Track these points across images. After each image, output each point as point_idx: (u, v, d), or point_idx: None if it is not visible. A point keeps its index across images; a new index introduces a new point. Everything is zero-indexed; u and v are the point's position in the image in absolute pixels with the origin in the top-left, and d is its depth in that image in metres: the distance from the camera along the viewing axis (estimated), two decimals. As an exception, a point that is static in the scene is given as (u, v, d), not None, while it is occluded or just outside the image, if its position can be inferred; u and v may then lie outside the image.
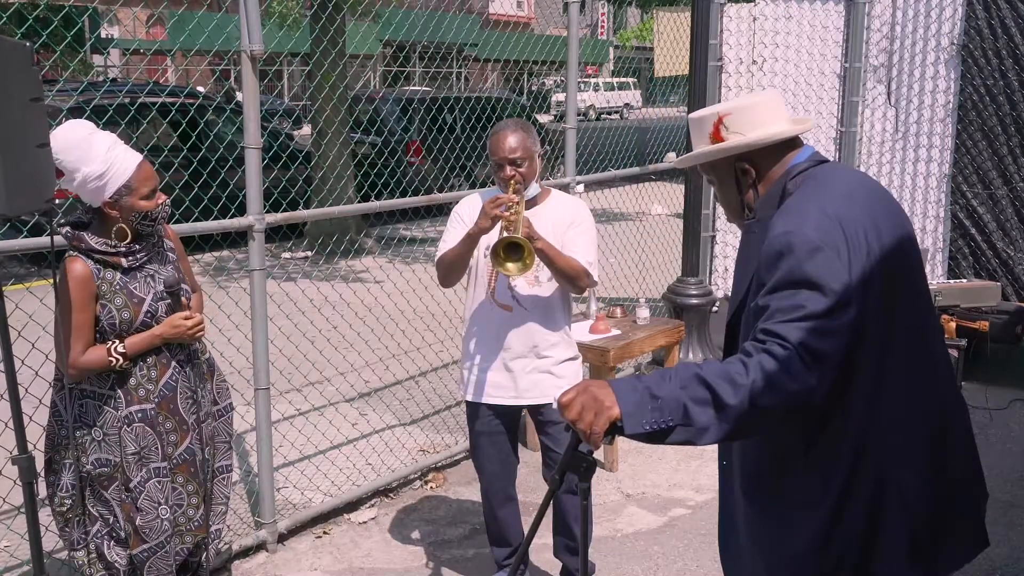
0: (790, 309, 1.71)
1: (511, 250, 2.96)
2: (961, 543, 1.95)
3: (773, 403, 1.67)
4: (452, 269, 3.24)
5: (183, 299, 2.86)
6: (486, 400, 3.33)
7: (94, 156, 2.65)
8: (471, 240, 3.12)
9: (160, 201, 2.80)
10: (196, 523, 2.97)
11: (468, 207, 3.32)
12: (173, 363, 2.88)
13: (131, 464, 2.81)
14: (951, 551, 1.92)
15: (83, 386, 2.81)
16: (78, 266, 2.72)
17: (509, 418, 3.40)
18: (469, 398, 3.38)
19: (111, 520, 2.85)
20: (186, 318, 2.83)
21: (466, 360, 3.39)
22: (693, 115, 2.08)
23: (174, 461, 2.90)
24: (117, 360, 2.74)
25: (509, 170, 3.14)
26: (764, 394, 1.66)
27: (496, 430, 3.37)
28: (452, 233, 3.26)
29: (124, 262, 2.78)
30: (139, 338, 2.78)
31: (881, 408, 1.83)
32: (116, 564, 2.86)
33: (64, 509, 2.86)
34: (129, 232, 2.78)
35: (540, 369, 3.29)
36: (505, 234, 2.99)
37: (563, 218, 3.26)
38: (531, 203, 3.25)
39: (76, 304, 2.71)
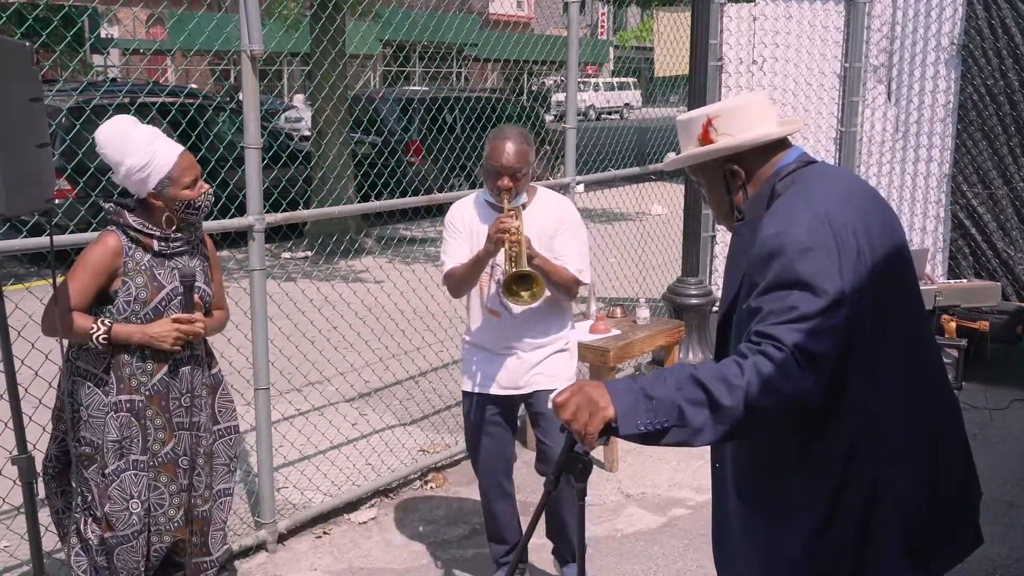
0: (783, 310, 1.71)
1: (521, 280, 3.05)
2: (957, 543, 1.95)
3: (768, 404, 1.67)
4: (462, 286, 3.32)
5: (196, 296, 2.92)
6: (478, 390, 3.40)
7: (135, 149, 2.75)
8: (479, 263, 3.20)
9: (203, 190, 2.89)
10: (176, 524, 2.99)
11: (460, 214, 3.37)
12: (171, 361, 2.91)
13: (109, 451, 2.84)
14: (947, 551, 1.93)
15: (78, 363, 2.86)
16: (111, 240, 2.81)
17: (504, 409, 3.44)
18: (465, 388, 3.46)
19: (89, 499, 2.88)
20: (184, 320, 2.86)
21: (465, 354, 3.49)
22: (681, 118, 2.07)
23: (159, 459, 2.92)
24: (98, 330, 2.75)
25: (507, 181, 3.15)
26: (759, 395, 1.66)
27: (490, 420, 3.42)
28: (453, 244, 3.32)
29: (155, 245, 2.85)
30: (128, 327, 2.81)
31: (875, 409, 1.83)
32: (89, 541, 2.90)
33: (47, 478, 2.94)
34: (176, 221, 2.87)
35: (531, 363, 3.36)
36: (511, 266, 3.05)
37: (551, 221, 3.30)
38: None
39: (90, 266, 2.78)
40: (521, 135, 3.21)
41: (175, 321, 2.86)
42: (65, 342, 2.83)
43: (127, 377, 2.84)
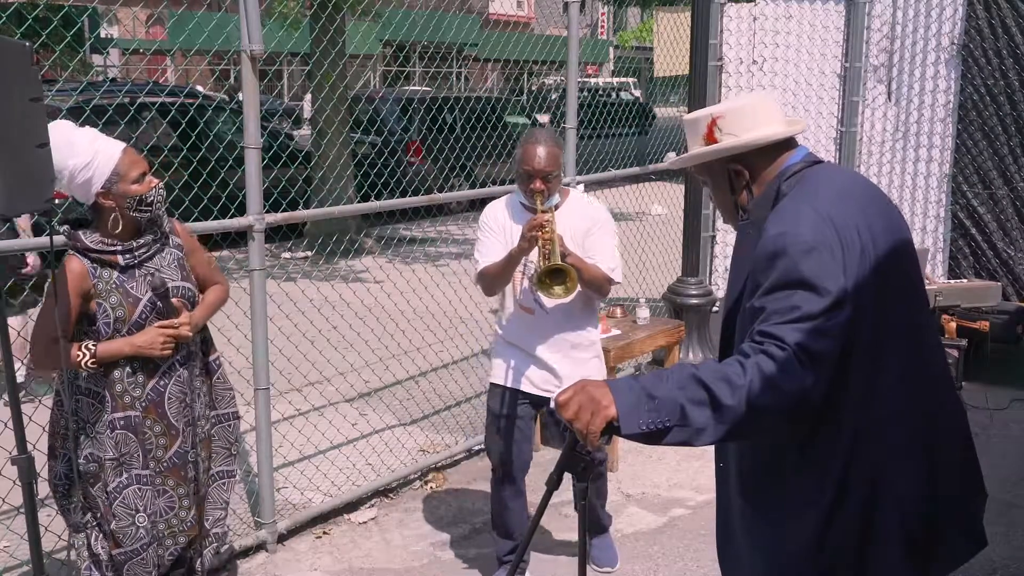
0: (786, 310, 1.72)
1: (554, 275, 3.12)
2: (958, 543, 1.95)
3: (770, 403, 1.67)
4: (496, 283, 3.40)
5: (173, 301, 2.86)
6: (510, 384, 3.45)
7: (78, 150, 2.68)
8: (513, 260, 3.27)
9: (152, 184, 2.80)
10: (188, 523, 2.99)
11: (494, 215, 3.45)
12: (163, 366, 2.87)
13: (109, 469, 2.81)
14: (948, 551, 1.93)
15: (79, 382, 2.82)
16: (74, 264, 2.74)
17: (530, 407, 3.48)
18: (495, 380, 3.50)
19: (98, 515, 2.87)
20: (167, 326, 2.81)
21: (495, 350, 3.55)
22: (688, 116, 2.09)
23: (164, 465, 2.90)
24: (84, 356, 2.72)
25: (539, 183, 3.24)
26: (761, 395, 1.66)
27: (513, 414, 3.46)
28: (487, 243, 3.39)
29: (121, 260, 2.78)
30: (113, 344, 2.77)
31: (875, 409, 1.84)
32: (100, 556, 2.88)
33: (59, 496, 2.90)
34: (122, 221, 2.77)
35: (565, 371, 3.40)
36: (545, 262, 3.12)
37: (584, 221, 3.38)
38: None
39: (60, 298, 2.70)
40: (552, 138, 3.31)
41: (160, 326, 2.81)
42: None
43: (119, 395, 2.81)
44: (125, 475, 2.84)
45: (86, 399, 2.83)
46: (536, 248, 3.18)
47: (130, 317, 2.79)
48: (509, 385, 3.45)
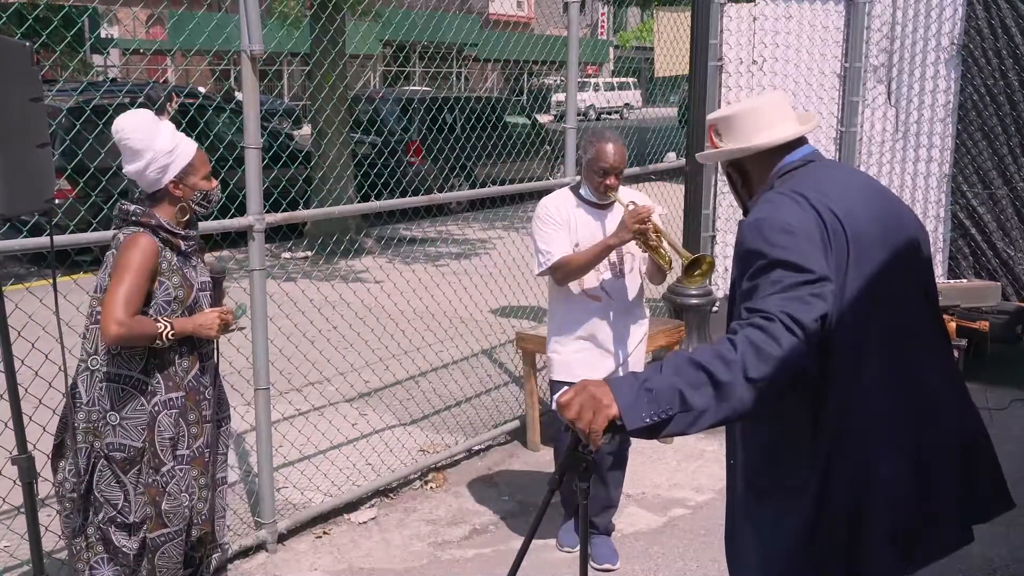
0: (768, 285, 1.77)
1: (693, 265, 3.29)
2: (943, 535, 1.98)
3: (765, 374, 1.68)
4: (578, 273, 3.48)
5: (223, 290, 3.00)
6: (572, 380, 3.50)
7: (163, 136, 2.80)
8: (607, 250, 3.42)
9: (215, 185, 2.96)
10: (203, 516, 3.01)
11: (556, 208, 3.55)
12: (202, 355, 2.98)
13: (167, 449, 2.85)
14: (933, 542, 1.95)
15: (107, 370, 2.82)
16: (145, 240, 2.80)
17: None
18: (557, 377, 3.60)
19: (119, 505, 2.85)
20: (220, 313, 2.93)
21: (555, 343, 3.62)
22: (708, 116, 2.24)
23: (192, 453, 2.95)
24: (166, 328, 2.77)
25: (612, 180, 3.45)
26: (756, 366, 1.67)
27: None
28: (555, 236, 3.49)
29: (183, 244, 2.89)
30: (181, 320, 2.85)
31: (869, 403, 1.87)
32: (124, 549, 2.87)
33: (70, 494, 2.88)
34: (190, 212, 2.92)
35: (619, 346, 3.57)
36: (663, 249, 3.37)
37: None
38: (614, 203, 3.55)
39: (140, 270, 2.76)
40: (617, 135, 3.49)
41: (215, 310, 2.93)
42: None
43: (172, 375, 2.87)
44: (177, 456, 2.89)
45: (114, 385, 2.82)
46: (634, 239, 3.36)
47: (187, 299, 2.88)
48: (569, 381, 3.50)
